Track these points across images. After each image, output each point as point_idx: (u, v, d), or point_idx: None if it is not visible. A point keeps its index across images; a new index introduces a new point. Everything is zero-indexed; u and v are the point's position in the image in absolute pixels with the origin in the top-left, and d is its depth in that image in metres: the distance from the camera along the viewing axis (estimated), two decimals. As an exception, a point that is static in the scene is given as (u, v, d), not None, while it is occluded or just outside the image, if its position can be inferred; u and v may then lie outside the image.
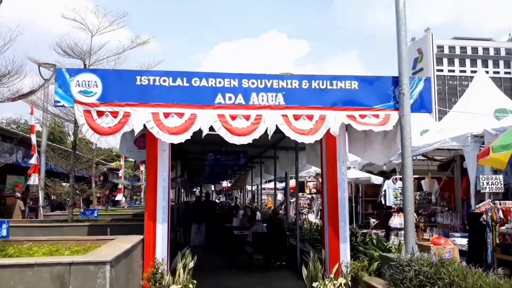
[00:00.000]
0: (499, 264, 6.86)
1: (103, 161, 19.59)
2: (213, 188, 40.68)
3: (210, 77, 5.78)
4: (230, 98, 5.77)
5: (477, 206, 8.09)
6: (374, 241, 7.44)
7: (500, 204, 7.23)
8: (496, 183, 7.92)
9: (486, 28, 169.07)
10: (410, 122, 5.93)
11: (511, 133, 7.07)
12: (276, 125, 5.78)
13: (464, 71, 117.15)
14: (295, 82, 5.91)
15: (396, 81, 6.07)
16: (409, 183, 5.91)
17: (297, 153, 9.74)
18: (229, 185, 36.21)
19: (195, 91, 5.74)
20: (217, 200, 36.51)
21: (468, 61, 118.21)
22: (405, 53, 6.04)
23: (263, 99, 5.80)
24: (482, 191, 8.11)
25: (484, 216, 7.36)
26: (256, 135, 5.70)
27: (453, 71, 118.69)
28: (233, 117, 5.70)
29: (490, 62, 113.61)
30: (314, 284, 6.08)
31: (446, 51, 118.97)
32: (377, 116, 5.99)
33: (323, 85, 5.97)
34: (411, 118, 5.98)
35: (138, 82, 5.68)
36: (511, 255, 6.61)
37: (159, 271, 5.66)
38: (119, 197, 21.87)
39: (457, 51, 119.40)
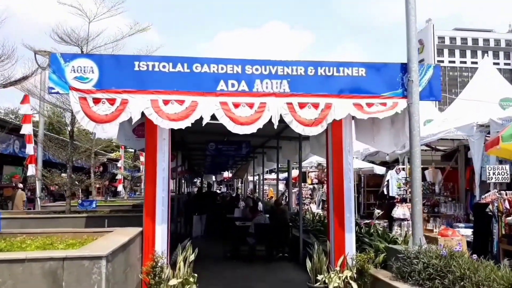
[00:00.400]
0: (504, 255, 6.74)
1: (102, 152, 19.39)
2: (214, 179, 40.53)
3: (212, 63, 5.55)
4: (233, 85, 5.55)
5: (483, 196, 7.97)
6: (379, 232, 7.29)
7: (506, 195, 7.11)
8: (502, 173, 7.80)
9: (486, 24, 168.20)
10: (419, 110, 5.74)
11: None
12: (280, 115, 5.57)
13: (465, 62, 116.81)
14: (301, 69, 5.68)
15: (404, 68, 5.85)
16: (417, 173, 5.73)
17: (301, 143, 9.55)
18: (230, 175, 36.04)
19: (196, 78, 5.51)
20: (218, 191, 36.45)
21: (468, 52, 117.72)
22: (415, 38, 5.81)
23: (268, 86, 5.58)
24: (488, 181, 7.98)
25: (490, 206, 7.24)
26: (260, 123, 5.49)
27: (454, 62, 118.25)
28: (236, 105, 5.48)
29: (490, 53, 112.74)
30: (319, 277, 5.91)
31: (447, 42, 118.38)
32: (384, 104, 5.79)
33: (329, 71, 5.75)
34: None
35: (136, 68, 5.45)
36: (518, 246, 6.49)
37: (159, 264, 5.47)
38: (120, 187, 21.78)
39: (458, 42, 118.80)
